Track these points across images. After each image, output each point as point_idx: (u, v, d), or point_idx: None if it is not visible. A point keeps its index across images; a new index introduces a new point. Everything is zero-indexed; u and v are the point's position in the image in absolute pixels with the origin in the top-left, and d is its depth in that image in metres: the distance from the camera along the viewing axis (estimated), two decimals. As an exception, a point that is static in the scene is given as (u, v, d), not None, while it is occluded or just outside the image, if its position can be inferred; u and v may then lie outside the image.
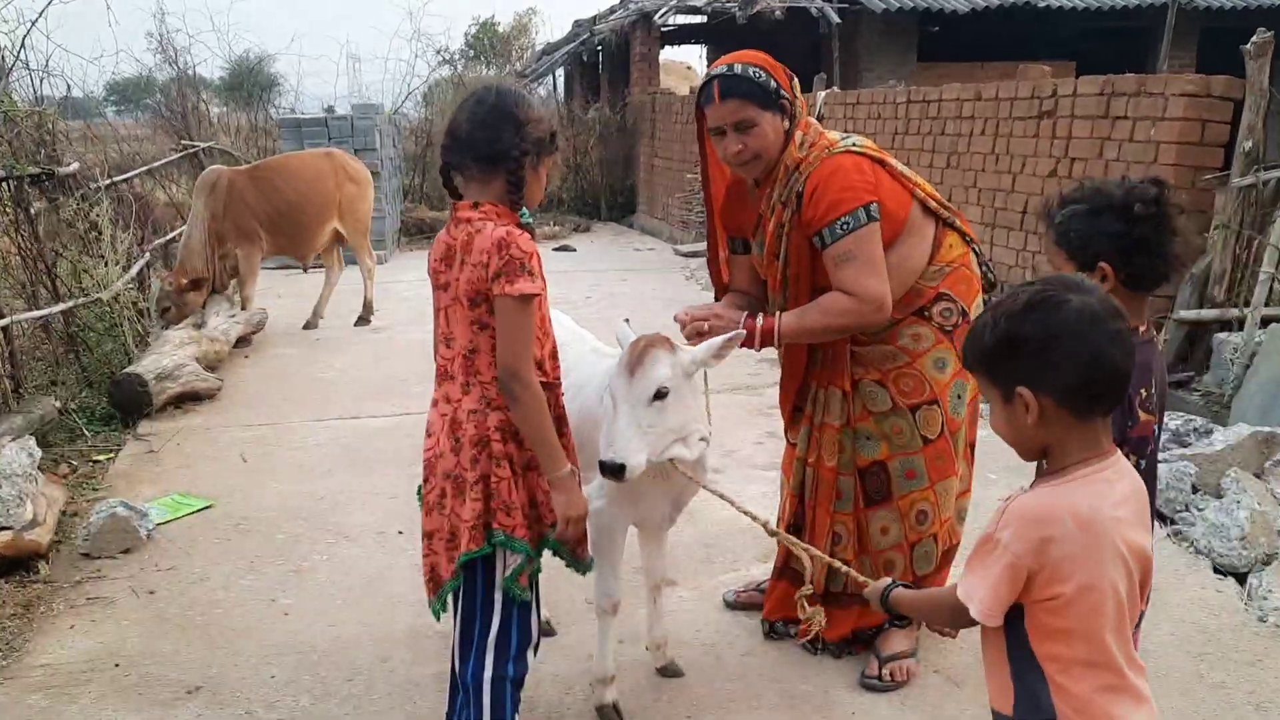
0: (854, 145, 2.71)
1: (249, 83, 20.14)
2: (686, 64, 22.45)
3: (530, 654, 2.33)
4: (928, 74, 13.90)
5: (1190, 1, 14.12)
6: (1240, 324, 5.19)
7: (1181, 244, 2.04)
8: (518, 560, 2.21)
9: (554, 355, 2.38)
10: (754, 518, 2.44)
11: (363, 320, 8.05)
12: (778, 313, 2.77)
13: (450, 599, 2.27)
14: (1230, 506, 3.67)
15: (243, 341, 7.13)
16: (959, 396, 2.83)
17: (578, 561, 2.40)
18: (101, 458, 4.87)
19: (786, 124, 2.70)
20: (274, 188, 7.44)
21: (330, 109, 15.19)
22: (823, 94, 9.50)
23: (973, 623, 1.62)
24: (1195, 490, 4.00)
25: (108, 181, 7.19)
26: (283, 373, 6.59)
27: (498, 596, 2.23)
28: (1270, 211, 5.27)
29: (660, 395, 2.40)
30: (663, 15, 14.36)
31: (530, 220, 2.30)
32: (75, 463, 4.76)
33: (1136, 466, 1.87)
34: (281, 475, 4.64)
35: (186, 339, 6.22)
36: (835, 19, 13.65)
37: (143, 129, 14.70)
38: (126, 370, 5.51)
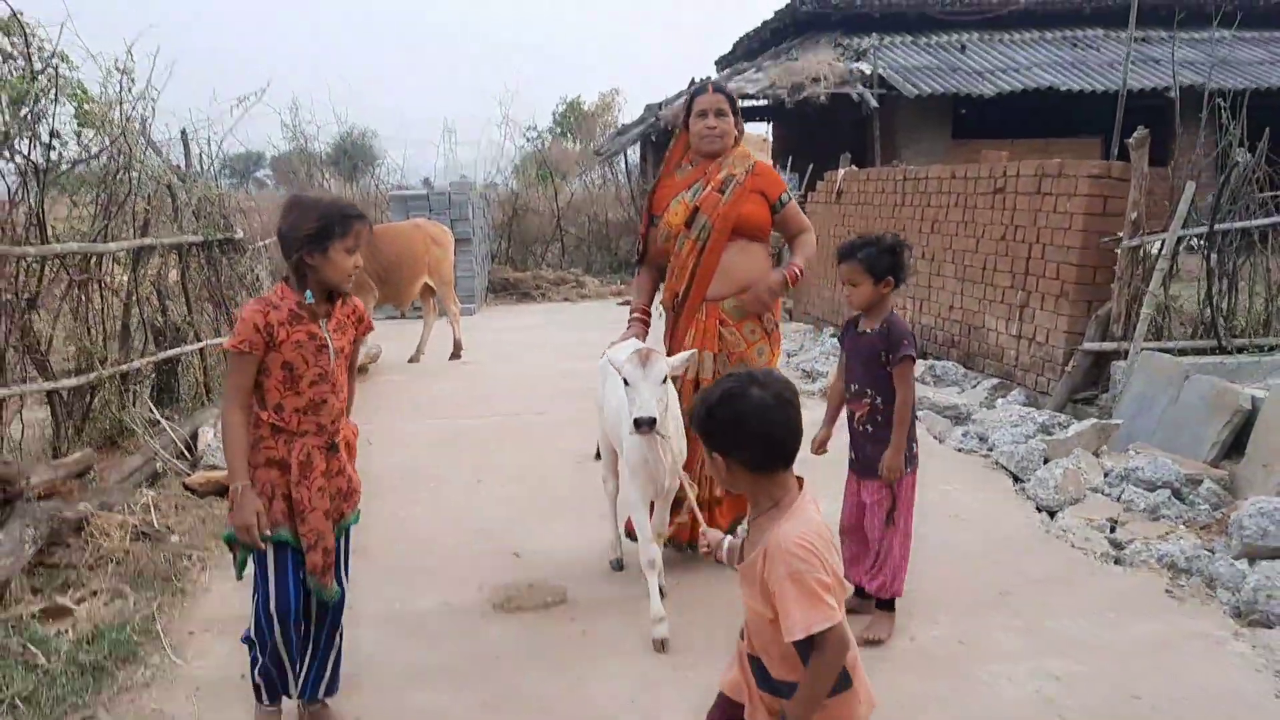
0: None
1: (360, 156, 22.79)
2: (763, 136, 24.34)
3: (268, 606, 2.83)
4: (960, 150, 15.31)
5: (1202, 85, 15.46)
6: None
7: (913, 264, 3.68)
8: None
9: (304, 411, 2.76)
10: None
11: (454, 355, 9.95)
12: (791, 261, 4.15)
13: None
14: (1052, 467, 5.19)
15: (361, 370, 9.03)
16: None
17: (321, 588, 2.92)
18: (268, 441, 6.74)
19: (736, 134, 4.23)
20: (377, 249, 9.19)
21: (426, 181, 17.49)
22: (842, 171, 11.20)
23: (842, 655, 1.99)
24: (1047, 461, 5.52)
25: (263, 243, 9.25)
26: (394, 392, 8.47)
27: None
28: (1152, 268, 6.76)
29: (665, 380, 3.46)
30: (720, 101, 16.17)
31: (311, 300, 2.76)
32: (251, 443, 6.63)
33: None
34: (395, 452, 6.45)
35: (323, 363, 8.14)
36: (874, 103, 15.30)
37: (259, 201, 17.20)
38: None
